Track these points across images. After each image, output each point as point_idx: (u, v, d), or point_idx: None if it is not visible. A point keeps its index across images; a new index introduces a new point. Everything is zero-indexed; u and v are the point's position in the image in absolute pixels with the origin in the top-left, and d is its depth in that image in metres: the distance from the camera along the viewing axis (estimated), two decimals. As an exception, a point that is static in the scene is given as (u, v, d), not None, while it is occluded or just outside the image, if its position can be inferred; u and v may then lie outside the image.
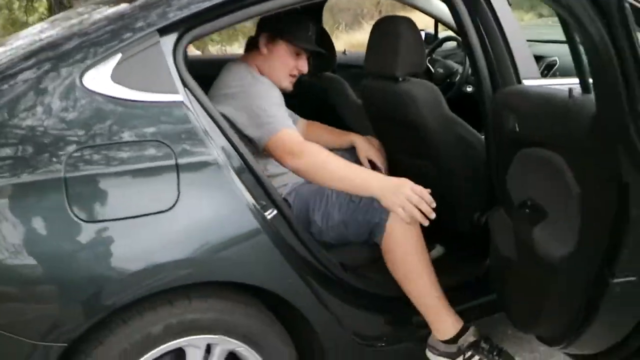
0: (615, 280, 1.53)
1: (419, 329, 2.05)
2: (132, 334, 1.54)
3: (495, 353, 1.99)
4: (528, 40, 2.52)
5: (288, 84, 2.22)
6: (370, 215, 1.95)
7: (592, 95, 1.55)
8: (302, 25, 2.18)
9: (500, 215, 1.98)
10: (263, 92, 2.07)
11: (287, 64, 2.19)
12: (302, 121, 2.56)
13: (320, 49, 2.29)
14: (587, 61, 1.49)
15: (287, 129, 1.96)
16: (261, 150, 2.01)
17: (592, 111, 1.49)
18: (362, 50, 2.70)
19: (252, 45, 2.24)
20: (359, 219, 1.98)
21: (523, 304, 1.94)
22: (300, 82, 2.36)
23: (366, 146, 2.48)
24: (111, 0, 1.88)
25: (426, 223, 1.79)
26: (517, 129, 1.82)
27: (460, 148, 2.24)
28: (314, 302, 1.78)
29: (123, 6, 1.70)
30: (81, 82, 1.50)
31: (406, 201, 1.78)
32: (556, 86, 1.90)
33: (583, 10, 1.40)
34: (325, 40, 3.00)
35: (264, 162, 2.10)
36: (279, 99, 2.11)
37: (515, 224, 1.85)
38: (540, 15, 11.46)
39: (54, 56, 1.53)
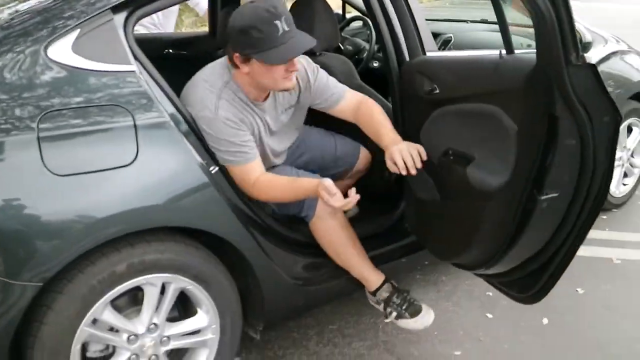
0: (543, 197, 1.89)
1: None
2: (99, 273, 1.77)
3: (404, 307, 2.33)
4: (428, 20, 2.87)
5: (287, 84, 2.10)
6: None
7: (520, 55, 1.95)
8: (267, 31, 1.94)
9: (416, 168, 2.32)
10: (220, 123, 2.01)
11: (272, 74, 2.04)
12: (350, 97, 2.38)
13: (299, 51, 2.03)
14: (533, 26, 1.81)
15: (235, 168, 2.07)
16: None
17: (525, 65, 1.87)
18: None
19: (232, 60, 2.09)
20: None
21: (448, 237, 2.29)
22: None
23: (393, 156, 2.16)
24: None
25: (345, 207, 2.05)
26: (438, 91, 2.16)
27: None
28: (253, 245, 2.06)
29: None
30: (46, 54, 1.71)
31: (325, 198, 2.01)
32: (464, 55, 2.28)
33: None
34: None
35: None
36: (235, 133, 2.05)
37: (438, 170, 2.18)
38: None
39: (20, 31, 1.73)
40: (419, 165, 2.08)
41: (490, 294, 2.88)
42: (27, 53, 1.70)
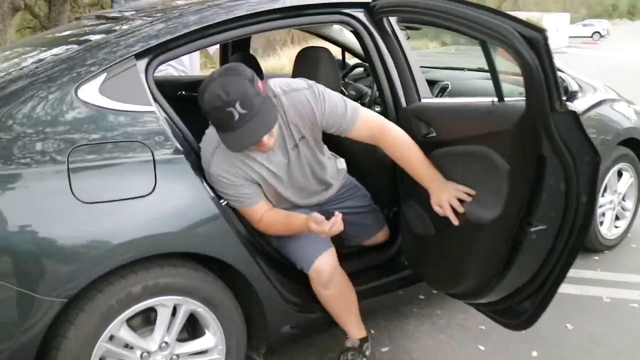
0: (532, 229, 2.10)
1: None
2: (117, 293, 1.95)
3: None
4: (427, 67, 3.08)
5: (262, 150, 2.15)
6: (298, 255, 2.39)
7: (511, 103, 2.16)
8: (222, 118, 1.98)
9: (412, 206, 2.51)
10: (214, 179, 2.15)
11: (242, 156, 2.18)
12: (366, 120, 2.36)
13: (254, 139, 2.03)
14: (523, 76, 2.01)
15: (239, 208, 2.24)
16: None
17: (516, 111, 2.08)
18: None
19: None
20: (290, 254, 2.42)
21: (443, 269, 2.46)
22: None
23: (438, 199, 2.30)
24: (95, 28, 2.31)
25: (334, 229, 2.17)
26: (434, 134, 2.37)
27: (372, 155, 2.77)
28: (258, 272, 2.23)
29: (105, 36, 2.15)
30: (76, 95, 1.92)
31: (315, 230, 2.16)
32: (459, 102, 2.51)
33: (521, 45, 1.95)
34: (253, 65, 3.46)
35: None
36: (230, 187, 2.17)
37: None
38: (444, 44, 12.42)
39: (48, 76, 1.95)
40: (461, 210, 2.23)
41: (483, 327, 3.01)
42: (58, 94, 1.92)
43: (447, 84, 3.69)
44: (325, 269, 2.31)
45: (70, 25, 2.64)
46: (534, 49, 1.93)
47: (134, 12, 2.44)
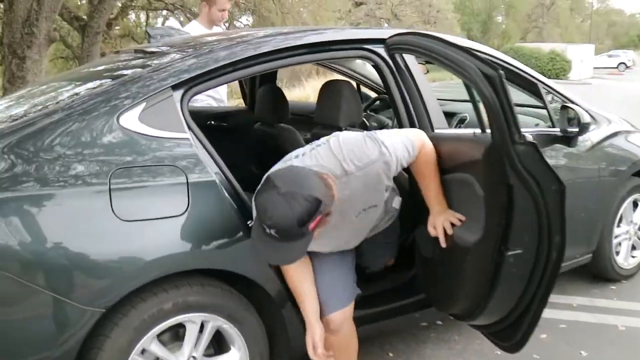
0: (509, 253, 2.25)
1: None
2: (149, 309, 2.09)
3: None
4: (447, 100, 3.22)
5: None
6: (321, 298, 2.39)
7: (486, 134, 2.30)
8: (257, 224, 2.00)
9: (421, 230, 2.63)
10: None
11: None
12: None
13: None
14: (485, 110, 2.20)
15: None
16: None
17: (488, 142, 2.24)
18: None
19: None
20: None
21: (442, 289, 2.60)
22: (258, 131, 2.93)
23: (434, 220, 2.44)
24: (129, 63, 2.49)
25: None
26: None
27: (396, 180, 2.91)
28: (281, 289, 2.36)
29: (140, 70, 2.34)
30: (118, 122, 2.09)
31: (309, 349, 2.29)
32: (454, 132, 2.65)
33: (481, 82, 2.13)
34: (279, 96, 3.62)
35: None
36: None
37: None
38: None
39: (87, 107, 2.12)
40: (450, 232, 2.38)
41: (499, 352, 3.07)
42: (101, 121, 2.09)
43: (466, 116, 3.82)
44: (337, 321, 2.39)
45: (105, 59, 2.83)
46: (492, 85, 2.11)
47: (169, 48, 2.62)
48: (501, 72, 2.10)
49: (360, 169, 2.16)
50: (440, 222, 2.40)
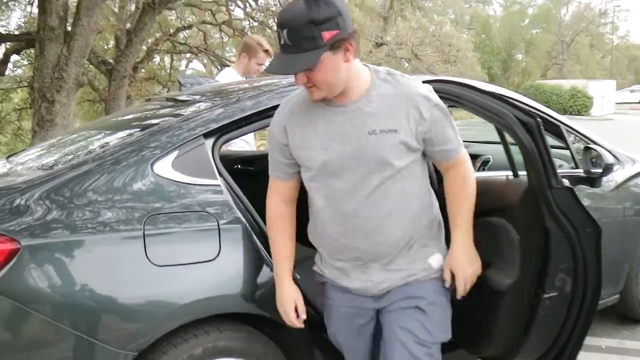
0: (545, 296, 2.28)
1: None
2: (180, 355, 2.13)
3: None
4: (470, 141, 3.25)
5: (309, 94, 1.95)
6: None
7: (520, 178, 2.37)
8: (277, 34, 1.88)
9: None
10: (269, 129, 2.15)
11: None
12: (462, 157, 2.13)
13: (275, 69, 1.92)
14: (522, 156, 2.26)
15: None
16: None
17: (524, 186, 2.30)
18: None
19: None
20: None
21: (476, 333, 2.59)
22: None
23: (463, 272, 2.13)
24: (163, 112, 2.59)
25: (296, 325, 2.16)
26: None
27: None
28: (306, 332, 2.37)
29: (171, 119, 2.42)
30: (152, 169, 2.17)
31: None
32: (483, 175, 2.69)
33: (518, 129, 2.21)
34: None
35: None
36: (269, 142, 2.12)
37: None
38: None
39: (132, 151, 2.22)
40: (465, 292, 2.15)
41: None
42: (135, 169, 2.17)
43: (489, 158, 3.86)
44: None
45: (136, 107, 2.94)
46: (529, 133, 2.19)
47: (199, 96, 2.72)
48: (539, 120, 2.18)
49: (393, 75, 2.01)
50: (470, 275, 2.12)
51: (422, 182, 2.07)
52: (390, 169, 1.95)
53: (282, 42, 1.83)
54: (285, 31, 1.81)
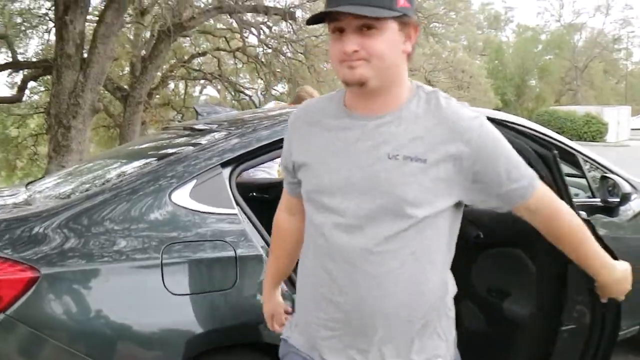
0: (564, 328, 2.26)
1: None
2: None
3: None
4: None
5: (342, 74, 1.48)
6: None
7: None
8: None
9: (465, 303, 2.65)
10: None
11: (330, 50, 1.52)
12: (541, 192, 1.62)
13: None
14: None
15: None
16: None
17: None
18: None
19: None
20: None
21: None
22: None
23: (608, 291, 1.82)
24: (179, 141, 2.60)
25: None
26: (482, 236, 2.54)
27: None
28: None
29: (190, 148, 2.44)
30: (170, 198, 2.18)
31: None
32: None
33: (534, 160, 2.20)
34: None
35: None
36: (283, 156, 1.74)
37: (484, 304, 2.53)
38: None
39: (136, 186, 2.23)
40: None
41: None
42: (153, 198, 2.18)
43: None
44: None
45: (153, 136, 2.98)
46: (546, 164, 2.20)
47: (215, 126, 2.74)
48: (555, 152, 2.19)
49: (439, 107, 1.52)
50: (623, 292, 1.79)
51: (443, 252, 1.58)
52: (408, 215, 1.47)
53: None
54: None
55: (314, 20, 1.50)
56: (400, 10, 1.44)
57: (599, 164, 3.52)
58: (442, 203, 1.50)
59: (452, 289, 1.65)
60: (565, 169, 3.60)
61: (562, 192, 2.17)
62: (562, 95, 50.59)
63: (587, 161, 3.50)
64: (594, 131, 29.16)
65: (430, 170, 1.47)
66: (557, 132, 3.48)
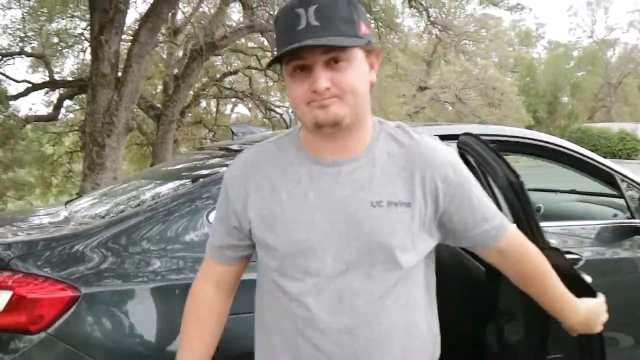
0: (550, 357, 2.23)
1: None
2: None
3: None
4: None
5: (312, 115, 1.34)
6: None
7: None
8: (284, 23, 1.34)
9: (490, 325, 2.62)
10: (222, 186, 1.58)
11: (291, 91, 1.37)
12: (512, 234, 1.56)
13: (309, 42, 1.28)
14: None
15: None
16: None
17: None
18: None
19: None
20: None
21: None
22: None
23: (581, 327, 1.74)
24: (213, 162, 2.63)
25: None
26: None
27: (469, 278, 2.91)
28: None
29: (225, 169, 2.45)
30: (207, 219, 2.20)
31: None
32: None
33: (506, 188, 2.17)
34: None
35: None
36: (218, 210, 1.58)
37: (497, 326, 2.51)
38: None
39: (172, 207, 2.25)
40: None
41: None
42: (190, 219, 2.20)
43: (540, 206, 3.79)
44: None
45: (187, 157, 3.01)
46: (514, 193, 2.15)
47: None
48: (522, 180, 2.14)
49: (411, 142, 1.44)
50: (601, 323, 1.74)
51: (429, 295, 1.51)
52: (398, 267, 1.39)
53: (302, 25, 1.29)
54: (312, 8, 1.29)
55: (275, 60, 1.36)
56: (364, 37, 1.35)
57: (637, 183, 3.45)
58: (425, 246, 1.44)
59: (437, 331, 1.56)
60: (601, 188, 3.54)
61: (531, 220, 2.13)
62: (595, 112, 49.95)
63: (624, 180, 3.43)
64: (629, 149, 28.73)
65: (416, 213, 1.39)
66: (591, 150, 3.43)
